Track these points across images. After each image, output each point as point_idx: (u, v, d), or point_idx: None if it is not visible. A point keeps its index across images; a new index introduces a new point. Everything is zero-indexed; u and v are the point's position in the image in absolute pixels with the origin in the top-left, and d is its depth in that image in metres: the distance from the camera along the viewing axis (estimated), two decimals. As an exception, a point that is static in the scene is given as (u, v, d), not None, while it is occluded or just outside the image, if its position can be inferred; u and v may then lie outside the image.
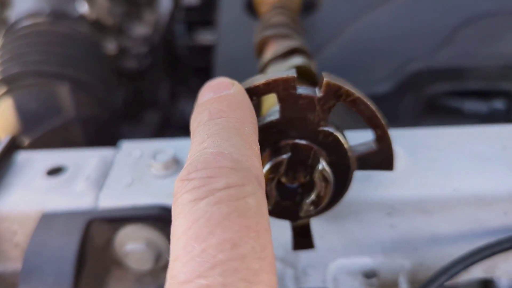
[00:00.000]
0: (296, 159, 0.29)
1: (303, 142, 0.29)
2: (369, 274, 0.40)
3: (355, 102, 0.27)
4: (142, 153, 0.41)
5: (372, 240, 0.38)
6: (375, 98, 0.30)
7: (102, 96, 0.71)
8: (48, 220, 0.37)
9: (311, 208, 0.30)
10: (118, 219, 0.37)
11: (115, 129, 0.79)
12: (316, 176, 0.29)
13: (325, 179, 0.29)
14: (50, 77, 0.66)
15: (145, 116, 0.98)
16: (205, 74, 1.08)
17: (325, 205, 0.30)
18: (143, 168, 0.40)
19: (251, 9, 0.90)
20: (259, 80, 0.27)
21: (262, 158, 0.29)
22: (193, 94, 1.17)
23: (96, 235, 0.37)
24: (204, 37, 1.14)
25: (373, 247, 0.38)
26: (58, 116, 0.65)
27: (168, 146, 0.41)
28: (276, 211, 0.31)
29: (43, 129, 0.64)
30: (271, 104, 0.39)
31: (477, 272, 0.38)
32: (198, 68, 1.11)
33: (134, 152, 0.42)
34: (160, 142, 0.42)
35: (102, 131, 0.71)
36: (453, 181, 0.36)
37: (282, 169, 0.28)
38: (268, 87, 0.27)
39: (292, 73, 0.27)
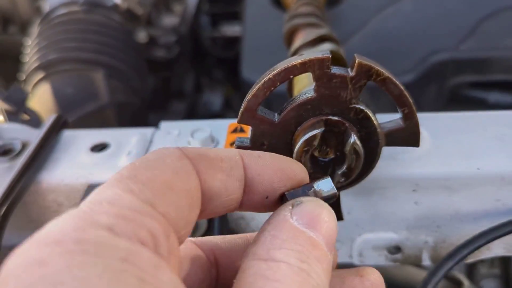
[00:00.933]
0: (329, 134, 0.31)
1: (336, 118, 0.31)
2: (393, 249, 0.42)
3: (384, 81, 0.29)
4: (180, 132, 0.44)
5: (397, 216, 0.39)
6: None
7: (134, 83, 0.74)
8: (93, 190, 0.40)
9: (342, 179, 0.32)
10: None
11: (145, 116, 0.82)
12: (348, 149, 0.31)
13: (356, 152, 0.31)
14: (86, 63, 0.69)
15: (171, 106, 1.01)
16: (229, 65, 1.11)
17: (355, 177, 0.32)
18: (181, 145, 0.42)
19: (277, 1, 0.92)
20: (296, 60, 0.29)
21: (297, 133, 0.31)
22: (216, 85, 1.19)
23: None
24: (228, 29, 1.16)
25: (397, 223, 0.40)
26: (93, 101, 0.68)
27: (204, 125, 0.43)
28: None
29: (79, 113, 0.67)
30: (303, 86, 0.41)
31: (498, 250, 0.40)
32: (221, 60, 1.14)
33: (172, 130, 0.44)
34: (197, 122, 0.45)
35: (135, 117, 0.74)
36: (477, 161, 0.37)
37: (316, 142, 0.30)
38: (304, 67, 0.29)
39: (327, 54, 0.29)
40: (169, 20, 0.93)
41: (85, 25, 0.74)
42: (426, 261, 0.41)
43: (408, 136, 0.32)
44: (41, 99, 0.69)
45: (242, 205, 0.25)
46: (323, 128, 0.30)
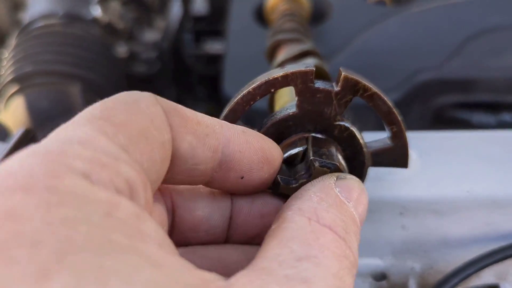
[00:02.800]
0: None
1: (319, 135, 0.29)
2: (378, 276, 0.40)
3: (372, 97, 0.27)
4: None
5: (383, 240, 0.38)
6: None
7: (112, 98, 0.72)
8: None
9: None
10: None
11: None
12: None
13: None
14: (62, 76, 0.67)
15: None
16: (211, 82, 1.09)
17: None
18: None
19: (261, 18, 0.91)
20: (277, 72, 0.27)
21: None
22: (199, 102, 1.18)
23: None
24: (211, 46, 1.15)
25: (383, 248, 0.38)
26: (68, 116, 0.64)
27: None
28: None
29: (53, 127, 0.64)
30: (285, 102, 0.39)
31: (488, 277, 0.38)
32: (205, 77, 1.12)
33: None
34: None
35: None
36: (467, 183, 0.36)
37: (297, 161, 0.29)
38: (286, 80, 0.27)
39: (311, 67, 0.27)
40: (151, 36, 0.91)
41: (63, 38, 0.71)
42: (413, 288, 0.39)
43: (396, 156, 0.30)
44: (15, 112, 0.66)
45: (213, 181, 0.23)
46: (305, 146, 0.28)
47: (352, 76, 0.27)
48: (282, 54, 0.49)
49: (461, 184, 0.36)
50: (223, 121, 0.24)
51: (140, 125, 0.19)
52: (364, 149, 0.29)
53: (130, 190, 0.17)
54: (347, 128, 0.29)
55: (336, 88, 0.27)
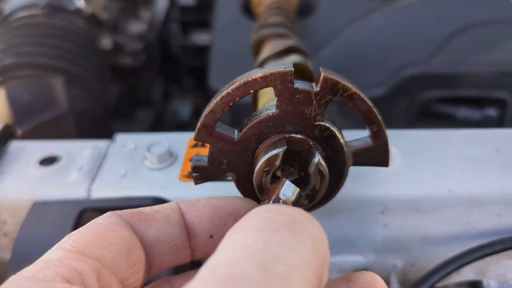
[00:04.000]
0: (292, 153, 0.29)
1: (299, 136, 0.28)
2: (360, 273, 0.40)
3: (351, 97, 0.27)
4: (136, 146, 0.41)
5: (365, 238, 0.38)
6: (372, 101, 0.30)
7: (96, 91, 0.71)
8: (39, 208, 0.37)
9: (306, 202, 0.30)
10: (110, 210, 0.36)
11: (108, 126, 0.78)
12: (312, 170, 0.29)
13: (320, 173, 0.28)
14: (44, 69, 0.65)
15: (138, 114, 0.97)
16: (199, 74, 1.08)
17: (319, 199, 0.30)
18: (137, 161, 0.40)
19: (248, 10, 0.90)
20: (256, 73, 0.27)
21: (258, 152, 0.29)
22: (186, 94, 1.17)
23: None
24: (199, 37, 1.14)
25: (365, 246, 0.38)
26: (51, 109, 0.65)
27: (162, 139, 0.41)
28: None
29: (35, 121, 0.63)
30: (267, 100, 0.39)
31: (468, 274, 0.39)
32: (192, 68, 1.11)
33: (128, 144, 0.41)
34: (155, 135, 0.42)
35: (95, 126, 0.71)
36: (448, 182, 0.36)
37: (278, 162, 0.28)
38: (265, 81, 0.27)
39: (290, 67, 0.26)
40: (136, 27, 0.90)
41: (45, 29, 0.70)
42: (394, 285, 0.39)
43: (377, 155, 0.30)
44: (-5, 106, 0.65)
45: (195, 253, 0.26)
46: (285, 147, 0.28)
47: (332, 77, 0.27)
48: (267, 50, 0.49)
49: (442, 183, 0.36)
50: (178, 201, 0.27)
51: (95, 231, 0.23)
52: (345, 149, 0.29)
53: (82, 278, 0.20)
54: (327, 128, 0.28)
55: (316, 89, 0.27)
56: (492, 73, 0.69)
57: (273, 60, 0.45)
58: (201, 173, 0.30)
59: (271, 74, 0.26)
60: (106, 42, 0.82)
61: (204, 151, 0.40)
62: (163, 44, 1.04)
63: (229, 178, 0.30)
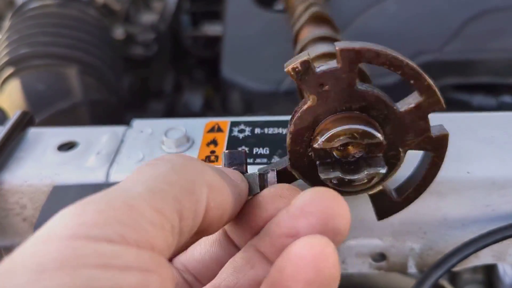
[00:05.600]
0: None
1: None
2: (378, 257, 0.40)
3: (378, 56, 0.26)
4: (153, 131, 0.41)
5: (382, 221, 0.37)
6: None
7: (110, 81, 0.71)
8: (59, 192, 0.37)
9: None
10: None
11: (121, 115, 0.79)
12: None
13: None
14: (59, 59, 0.66)
15: (149, 105, 0.98)
16: (210, 65, 1.08)
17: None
18: (154, 145, 0.40)
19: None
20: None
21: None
22: (197, 85, 1.17)
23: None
24: (209, 28, 1.13)
25: (382, 229, 0.38)
26: (65, 99, 0.65)
27: (180, 124, 0.41)
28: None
29: (50, 111, 0.64)
30: None
31: (487, 258, 0.39)
32: (203, 59, 1.11)
33: (145, 129, 0.42)
34: (171, 120, 0.42)
35: (109, 116, 0.71)
36: (467, 165, 0.35)
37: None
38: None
39: (306, 56, 0.26)
40: (148, 17, 0.90)
41: (59, 19, 0.70)
42: (412, 269, 0.39)
43: (428, 102, 0.28)
44: (11, 95, 0.65)
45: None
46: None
47: (347, 46, 0.26)
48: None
49: (461, 165, 0.35)
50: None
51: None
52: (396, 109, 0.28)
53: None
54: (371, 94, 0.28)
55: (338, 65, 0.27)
56: (507, 60, 0.68)
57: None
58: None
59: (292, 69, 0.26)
60: (118, 32, 0.82)
61: (220, 135, 0.40)
62: (174, 36, 1.04)
63: None
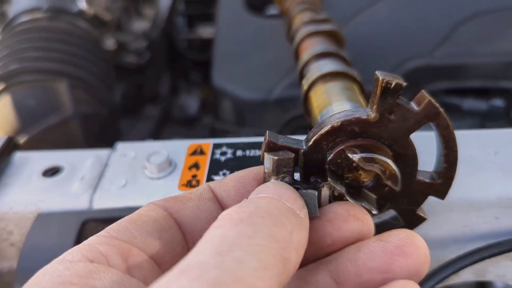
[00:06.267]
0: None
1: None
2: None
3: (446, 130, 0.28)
4: (136, 154, 0.42)
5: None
6: None
7: (101, 93, 0.71)
8: (43, 220, 0.37)
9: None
10: (112, 220, 0.37)
11: (114, 125, 0.79)
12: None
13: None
14: (49, 73, 0.66)
15: (145, 111, 0.98)
16: (205, 67, 1.08)
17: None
18: (137, 170, 0.40)
19: (250, 5, 0.90)
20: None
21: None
22: (193, 87, 1.17)
23: (90, 235, 0.38)
24: (204, 30, 1.13)
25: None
26: (56, 113, 0.65)
27: (162, 147, 0.41)
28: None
29: (42, 126, 0.64)
30: (324, 103, 0.38)
31: (467, 275, 0.39)
32: (198, 62, 1.11)
33: (128, 153, 0.42)
34: (155, 143, 0.43)
35: (102, 128, 0.71)
36: (444, 186, 0.36)
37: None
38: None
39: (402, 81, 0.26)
40: (140, 25, 0.91)
41: (48, 33, 0.71)
42: None
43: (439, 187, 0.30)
44: (2, 111, 0.66)
45: None
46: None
47: (435, 103, 0.27)
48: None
49: (439, 187, 0.36)
50: (209, 182, 0.29)
51: (130, 218, 0.25)
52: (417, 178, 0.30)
53: (106, 258, 0.23)
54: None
55: (417, 109, 0.27)
56: (498, 63, 0.68)
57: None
58: None
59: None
60: (109, 42, 0.83)
61: (202, 158, 0.40)
62: (168, 39, 1.04)
63: None
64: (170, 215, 0.26)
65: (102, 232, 0.24)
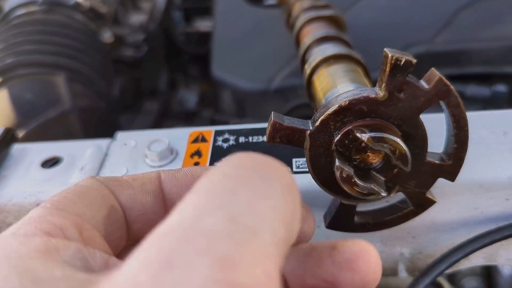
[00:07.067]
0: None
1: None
2: (368, 263, 0.39)
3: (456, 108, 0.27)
4: (137, 143, 0.41)
5: (371, 228, 0.37)
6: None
7: (99, 86, 0.70)
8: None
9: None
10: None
11: (113, 119, 0.78)
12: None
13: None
14: (45, 67, 0.65)
15: (144, 105, 0.97)
16: (204, 61, 1.07)
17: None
18: (138, 158, 0.39)
19: (249, -5, 0.88)
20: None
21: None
22: (191, 81, 1.16)
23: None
24: (202, 24, 1.12)
25: (371, 236, 0.38)
26: (54, 107, 0.64)
27: (163, 135, 0.40)
28: None
29: (40, 120, 0.63)
30: (328, 85, 0.37)
31: (477, 260, 0.38)
32: (196, 56, 1.10)
33: (129, 142, 0.41)
34: (155, 132, 0.42)
35: (100, 122, 0.70)
36: (453, 168, 0.35)
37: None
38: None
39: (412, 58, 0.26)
40: (137, 18, 0.89)
41: (44, 26, 0.69)
42: (403, 273, 0.39)
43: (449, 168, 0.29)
44: (-1, 106, 0.65)
45: None
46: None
47: (446, 81, 0.26)
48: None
49: (447, 169, 0.35)
50: (162, 169, 0.27)
51: (77, 190, 0.24)
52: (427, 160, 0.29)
53: (62, 231, 0.21)
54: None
55: (427, 87, 0.26)
56: (500, 48, 0.67)
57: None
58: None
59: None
60: (106, 35, 0.82)
61: (204, 146, 0.39)
62: (166, 33, 1.03)
63: None
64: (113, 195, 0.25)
65: (47, 204, 0.23)
